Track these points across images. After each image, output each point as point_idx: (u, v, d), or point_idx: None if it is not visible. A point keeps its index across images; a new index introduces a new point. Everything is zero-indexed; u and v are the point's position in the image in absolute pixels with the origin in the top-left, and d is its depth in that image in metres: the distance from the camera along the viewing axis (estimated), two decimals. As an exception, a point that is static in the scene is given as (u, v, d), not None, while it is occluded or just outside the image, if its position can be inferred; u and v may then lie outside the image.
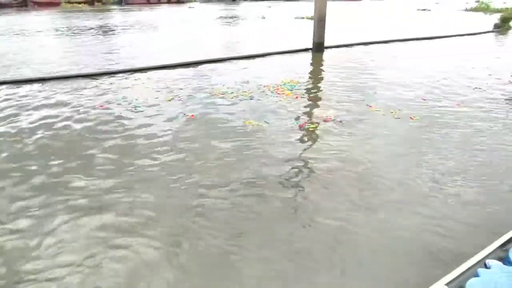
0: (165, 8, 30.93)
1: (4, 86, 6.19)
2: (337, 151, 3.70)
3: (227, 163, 3.47)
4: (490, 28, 13.68)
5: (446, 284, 1.52)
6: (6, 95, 5.72)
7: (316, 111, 4.88)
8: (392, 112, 4.76)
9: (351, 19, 19.00)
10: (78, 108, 5.09)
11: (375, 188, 3.02)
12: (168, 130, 4.28)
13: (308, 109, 4.95)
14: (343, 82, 6.37)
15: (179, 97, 5.50)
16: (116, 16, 22.69)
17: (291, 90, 5.69)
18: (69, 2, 29.51)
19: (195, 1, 41.58)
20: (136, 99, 5.37)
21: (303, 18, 18.42)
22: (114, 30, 14.63)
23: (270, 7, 30.54)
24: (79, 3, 29.82)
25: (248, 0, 46.63)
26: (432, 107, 5.02)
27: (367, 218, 2.64)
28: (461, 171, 3.27)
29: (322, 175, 3.25)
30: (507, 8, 16.41)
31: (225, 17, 21.02)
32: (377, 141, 3.95)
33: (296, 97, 5.38)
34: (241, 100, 5.30)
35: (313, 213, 2.71)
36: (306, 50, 9.26)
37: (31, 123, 4.54)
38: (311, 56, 8.86)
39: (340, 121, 4.48)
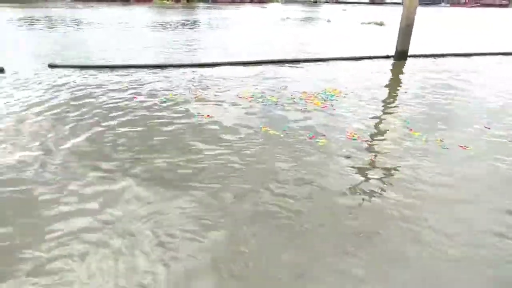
0: (246, 7, 31.61)
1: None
2: (336, 174, 3.02)
3: (232, 170, 3.09)
4: None
5: None
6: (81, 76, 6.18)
7: (340, 125, 4.14)
8: (437, 140, 3.79)
9: (442, 27, 16.82)
10: (115, 94, 5.21)
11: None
12: (177, 127, 4.05)
13: (330, 122, 4.21)
14: (401, 95, 5.45)
15: (206, 95, 5.25)
16: (199, 13, 23.73)
17: (324, 100, 5.01)
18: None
19: (277, 1, 41.75)
20: (166, 94, 5.27)
21: (369, 23, 17.03)
22: (193, 26, 15.16)
23: (345, 10, 29.09)
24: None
25: (330, 2, 45.19)
26: (495, 136, 3.91)
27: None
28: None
29: (322, 198, 2.65)
30: None
31: (299, 19, 20.46)
32: (397, 171, 3.12)
33: (324, 107, 4.70)
34: (265, 104, 4.83)
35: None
36: (386, 57, 8.34)
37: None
38: (390, 64, 7.83)
39: (364, 141, 3.72)
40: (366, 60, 8.16)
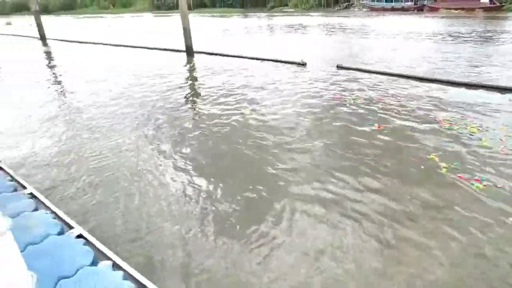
0: None
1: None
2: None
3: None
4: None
5: None
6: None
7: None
8: None
9: None
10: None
11: None
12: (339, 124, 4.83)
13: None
14: None
15: (394, 107, 5.44)
16: (505, 25, 19.11)
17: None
18: (447, 8, 29.75)
19: None
20: (372, 104, 5.92)
21: None
22: (489, 40, 12.72)
23: None
24: (456, 9, 29.32)
25: None
26: None
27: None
28: None
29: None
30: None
31: None
32: None
33: (502, 152, 3.84)
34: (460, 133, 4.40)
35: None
36: None
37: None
38: None
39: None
40: None
